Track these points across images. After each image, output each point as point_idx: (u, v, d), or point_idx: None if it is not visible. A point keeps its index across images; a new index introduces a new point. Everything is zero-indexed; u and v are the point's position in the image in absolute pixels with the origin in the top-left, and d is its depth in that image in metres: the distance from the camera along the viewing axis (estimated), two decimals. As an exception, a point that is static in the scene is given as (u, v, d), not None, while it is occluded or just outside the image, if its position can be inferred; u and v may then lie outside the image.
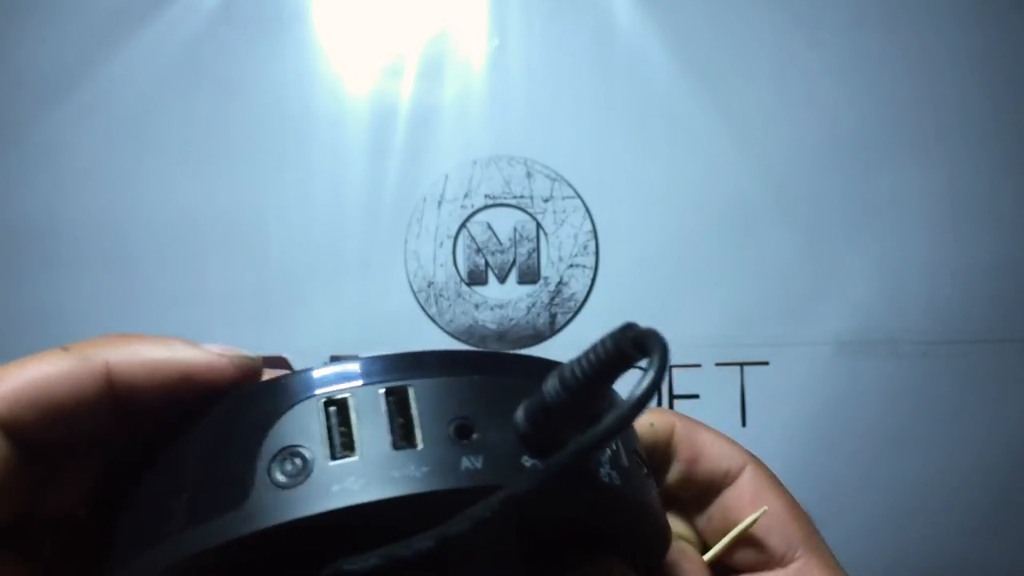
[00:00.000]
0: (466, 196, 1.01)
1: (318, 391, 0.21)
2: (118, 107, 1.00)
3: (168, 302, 0.99)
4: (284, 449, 0.21)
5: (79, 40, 0.99)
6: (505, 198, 1.01)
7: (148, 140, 1.00)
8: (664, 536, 0.25)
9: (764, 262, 1.00)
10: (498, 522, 0.19)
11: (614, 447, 0.23)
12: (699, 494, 0.29)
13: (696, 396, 1.00)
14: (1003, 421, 1.00)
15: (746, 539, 0.28)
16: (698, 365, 1.00)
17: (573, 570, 0.24)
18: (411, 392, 0.21)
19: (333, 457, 0.20)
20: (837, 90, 1.00)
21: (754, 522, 0.28)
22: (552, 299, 1.01)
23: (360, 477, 0.20)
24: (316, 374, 0.22)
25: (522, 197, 1.01)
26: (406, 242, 1.01)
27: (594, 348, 0.21)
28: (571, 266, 1.01)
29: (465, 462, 0.20)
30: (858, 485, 0.98)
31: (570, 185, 1.01)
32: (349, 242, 1.00)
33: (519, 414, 0.22)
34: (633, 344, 0.20)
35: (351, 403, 0.21)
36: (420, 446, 0.20)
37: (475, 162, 1.01)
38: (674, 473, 0.29)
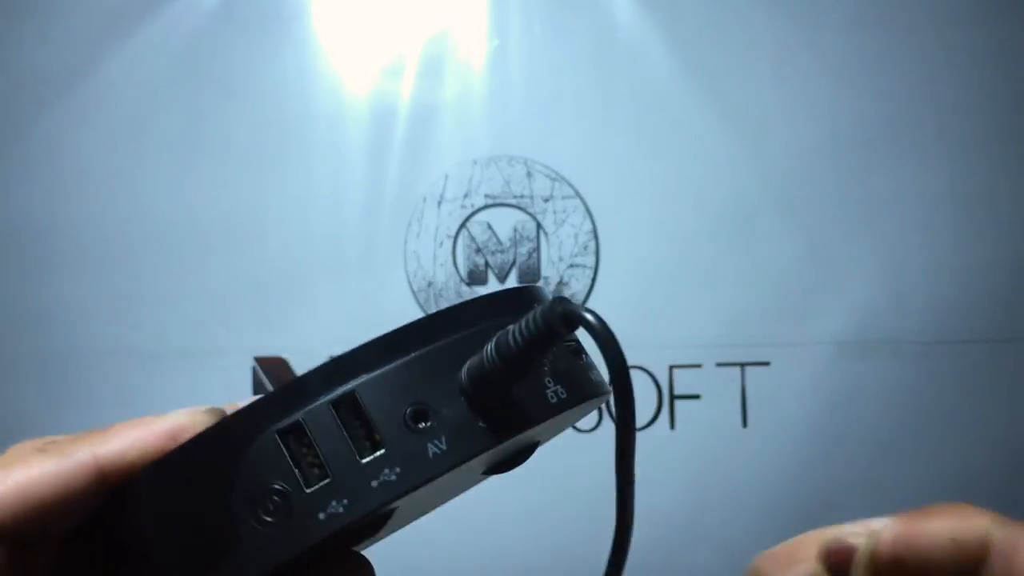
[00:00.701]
0: (466, 196, 1.00)
1: (270, 425, 0.21)
2: (118, 107, 1.00)
3: (168, 302, 0.99)
4: (259, 491, 0.21)
5: (79, 40, 0.99)
6: (505, 198, 1.01)
7: (148, 140, 1.00)
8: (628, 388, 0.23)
9: (764, 262, 1.00)
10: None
11: (550, 361, 0.23)
12: None
13: (697, 396, 1.00)
14: (1003, 420, 1.00)
15: None
16: (699, 365, 1.00)
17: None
18: (358, 396, 0.21)
19: (308, 485, 0.21)
20: (837, 90, 1.00)
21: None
22: (552, 299, 1.01)
23: (341, 497, 0.20)
24: (260, 406, 0.22)
25: (522, 197, 1.01)
26: (406, 242, 1.00)
27: (526, 321, 0.21)
28: (571, 266, 1.01)
29: (431, 448, 0.21)
30: (858, 484, 0.98)
31: (570, 185, 1.00)
32: (349, 242, 1.00)
33: (463, 377, 0.22)
34: (562, 319, 0.21)
35: (306, 427, 0.21)
36: (384, 448, 0.21)
37: (475, 162, 1.01)
38: None
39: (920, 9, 1.01)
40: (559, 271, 1.01)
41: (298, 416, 0.21)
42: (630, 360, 0.21)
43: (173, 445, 0.22)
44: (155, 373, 0.98)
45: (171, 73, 1.00)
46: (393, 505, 0.21)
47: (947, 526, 0.20)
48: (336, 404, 0.21)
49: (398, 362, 0.22)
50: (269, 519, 0.21)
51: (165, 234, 1.00)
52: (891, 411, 0.99)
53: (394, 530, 0.28)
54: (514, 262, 1.01)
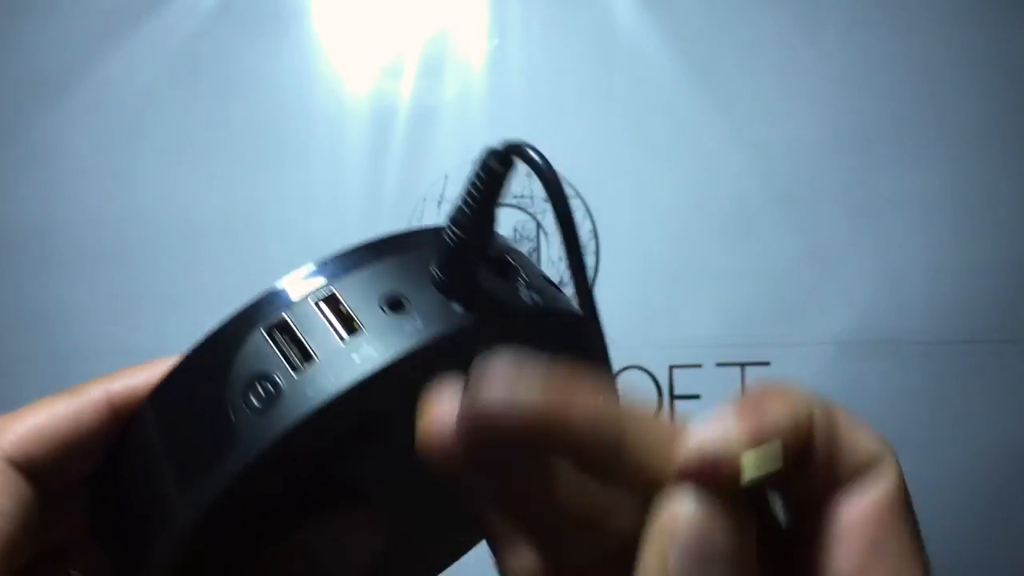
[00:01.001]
0: (466, 196, 1.00)
1: (257, 325, 0.23)
2: (116, 107, 1.00)
3: (166, 302, 0.99)
4: (250, 380, 0.22)
5: (77, 39, 0.99)
6: (505, 198, 1.01)
7: (146, 140, 1.00)
8: (603, 342, 0.24)
9: (765, 262, 1.00)
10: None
11: (524, 277, 0.26)
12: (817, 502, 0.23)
13: (697, 396, 1.00)
14: (1005, 421, 1.00)
15: (841, 550, 0.21)
16: (699, 365, 0.99)
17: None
18: (336, 293, 0.23)
19: (296, 369, 0.22)
20: (838, 90, 1.00)
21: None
22: (552, 299, 1.01)
23: (327, 374, 0.22)
24: (246, 311, 0.23)
25: (522, 197, 1.01)
26: (406, 242, 1.00)
27: (467, 183, 0.24)
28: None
29: (407, 327, 0.23)
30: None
31: (570, 185, 1.00)
32: (348, 242, 1.00)
33: (433, 270, 0.24)
34: (497, 159, 0.24)
35: (291, 322, 0.23)
36: (365, 331, 0.23)
37: (475, 162, 1.00)
38: (802, 481, 0.22)
39: (922, 9, 1.00)
40: (559, 271, 1.01)
41: (282, 313, 0.23)
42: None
43: None
44: (155, 373, 0.98)
45: (170, 73, 1.00)
46: (378, 401, 0.22)
47: (786, 413, 0.21)
48: (317, 301, 0.23)
49: (374, 264, 0.24)
50: (261, 404, 0.22)
51: (164, 234, 0.99)
52: (892, 412, 0.99)
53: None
54: (514, 262, 1.01)
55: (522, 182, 1.01)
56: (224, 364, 0.23)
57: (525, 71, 1.01)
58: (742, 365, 0.99)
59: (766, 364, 0.99)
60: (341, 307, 0.23)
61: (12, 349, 0.99)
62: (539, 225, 1.01)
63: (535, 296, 0.25)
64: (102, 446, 0.24)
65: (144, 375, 0.25)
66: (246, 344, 0.23)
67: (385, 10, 1.01)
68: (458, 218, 0.24)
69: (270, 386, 0.22)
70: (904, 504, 0.22)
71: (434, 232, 0.25)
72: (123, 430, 0.24)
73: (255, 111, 1.00)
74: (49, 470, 0.23)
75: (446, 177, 1.00)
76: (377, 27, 1.01)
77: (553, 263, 1.01)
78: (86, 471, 0.24)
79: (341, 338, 0.22)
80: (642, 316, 0.99)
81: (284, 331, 0.23)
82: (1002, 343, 1.00)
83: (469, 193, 0.24)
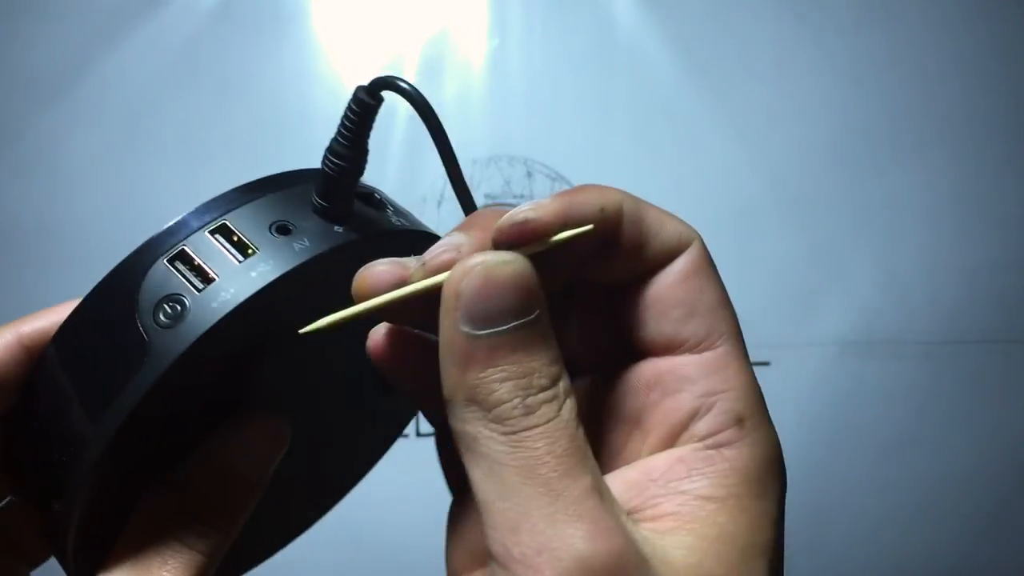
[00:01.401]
0: (466, 196, 1.00)
1: (159, 256, 0.25)
2: (115, 106, 1.00)
3: (167, 303, 0.99)
4: (158, 301, 0.24)
5: (76, 39, 0.99)
6: (505, 198, 1.01)
7: (146, 139, 1.00)
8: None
9: (766, 262, 1.00)
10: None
11: (391, 207, 0.31)
12: (640, 279, 0.26)
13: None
14: (1007, 422, 1.00)
15: (661, 313, 0.25)
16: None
17: None
18: (228, 223, 0.26)
19: (199, 289, 0.25)
20: (840, 89, 1.00)
21: (582, 233, 0.24)
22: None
23: (228, 288, 0.24)
24: (144, 246, 0.26)
25: (522, 197, 1.01)
26: (406, 242, 1.00)
27: (343, 118, 0.27)
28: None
29: (296, 245, 0.25)
30: (860, 486, 0.98)
31: (570, 185, 1.00)
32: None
33: (315, 199, 0.27)
34: (367, 92, 0.27)
35: (190, 250, 0.25)
36: (257, 251, 0.25)
37: (475, 162, 1.00)
38: (621, 263, 0.26)
39: (922, 9, 1.00)
40: (559, 271, 1.01)
41: (181, 245, 0.25)
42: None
43: None
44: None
45: (169, 73, 1.00)
46: (272, 301, 0.25)
47: (595, 197, 0.25)
48: (213, 232, 0.26)
49: (260, 198, 0.27)
50: (170, 320, 0.24)
51: (164, 234, 0.99)
52: (893, 412, 0.99)
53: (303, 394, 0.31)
54: (514, 262, 1.01)
55: (521, 182, 1.01)
56: (130, 292, 0.25)
57: (525, 71, 1.01)
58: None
59: (766, 364, 0.99)
60: (234, 236, 0.26)
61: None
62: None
63: (402, 220, 0.30)
64: (17, 386, 0.25)
65: (53, 316, 0.27)
66: (149, 273, 0.25)
67: (385, 10, 1.01)
68: (335, 148, 0.27)
69: (177, 305, 0.24)
70: (707, 267, 0.26)
71: (312, 171, 0.29)
72: (35, 365, 0.26)
73: (255, 111, 1.00)
74: None
75: (446, 177, 1.00)
76: (377, 27, 1.01)
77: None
78: (2, 411, 0.25)
79: (237, 260, 0.25)
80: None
81: (184, 260, 0.25)
82: (1003, 343, 1.00)
83: (344, 126, 0.27)
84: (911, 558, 0.98)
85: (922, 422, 0.99)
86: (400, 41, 1.01)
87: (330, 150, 0.28)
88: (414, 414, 0.36)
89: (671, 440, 0.24)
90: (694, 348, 0.25)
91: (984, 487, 0.99)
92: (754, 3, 1.01)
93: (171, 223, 0.26)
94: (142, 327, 0.24)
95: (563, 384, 0.22)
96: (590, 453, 0.22)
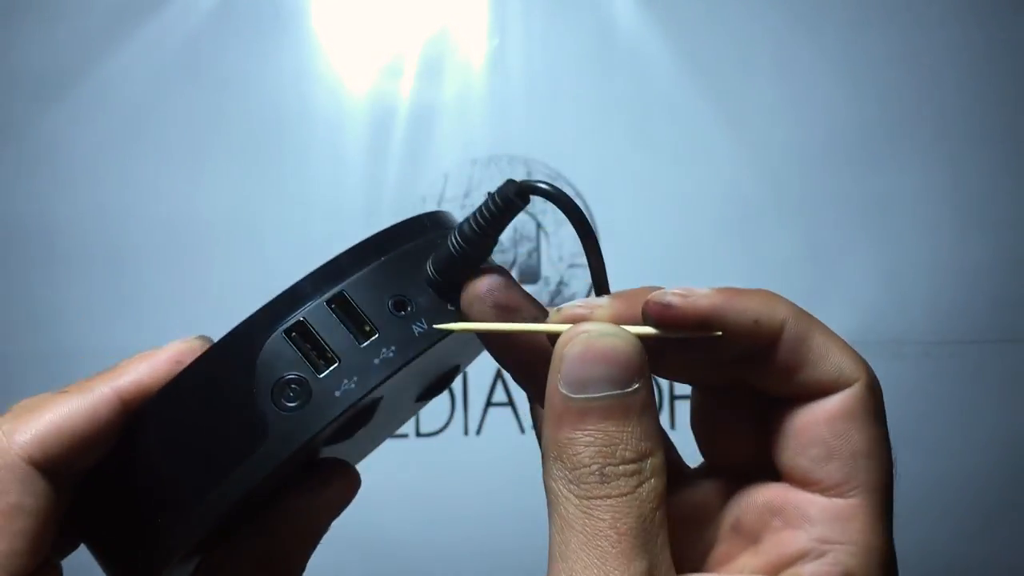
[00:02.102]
0: (466, 196, 1.00)
1: (275, 327, 0.25)
2: (115, 106, 1.00)
3: (165, 302, 0.99)
4: (278, 381, 0.24)
5: (76, 39, 0.99)
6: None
7: (146, 139, 1.00)
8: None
9: (765, 262, 1.00)
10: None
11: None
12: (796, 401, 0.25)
13: (697, 397, 0.99)
14: (1006, 421, 1.00)
15: (801, 445, 0.24)
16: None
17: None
18: (346, 294, 0.26)
19: (320, 371, 0.24)
20: (839, 89, 1.00)
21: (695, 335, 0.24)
22: (552, 299, 1.01)
23: (351, 375, 0.24)
24: (261, 315, 0.25)
25: (522, 197, 1.01)
26: (406, 242, 1.00)
27: (485, 203, 0.26)
28: (571, 266, 1.00)
29: (416, 328, 0.25)
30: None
31: (570, 185, 1.00)
32: (348, 242, 1.00)
33: (429, 269, 0.27)
34: (517, 192, 0.26)
35: (308, 324, 0.25)
36: (377, 333, 0.25)
37: (475, 162, 1.00)
38: (772, 380, 0.25)
39: (922, 8, 1.00)
40: (559, 271, 1.01)
41: (299, 316, 0.25)
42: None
43: (179, 368, 0.25)
44: (154, 373, 0.98)
45: (169, 73, 1.00)
46: (385, 388, 0.25)
47: (755, 307, 0.24)
48: (330, 302, 0.25)
49: (373, 264, 0.26)
50: (292, 404, 0.24)
51: (164, 234, 0.99)
52: (893, 412, 0.99)
53: (362, 450, 0.32)
54: (514, 262, 1.01)
55: (522, 182, 1.01)
56: (247, 364, 0.24)
57: (525, 71, 1.01)
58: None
59: (766, 364, 0.99)
60: (352, 309, 0.25)
61: (12, 349, 0.99)
62: (539, 225, 1.01)
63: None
64: (109, 441, 0.25)
65: (148, 368, 0.25)
66: (267, 345, 0.24)
67: (385, 10, 1.01)
68: (466, 231, 0.26)
69: (298, 387, 0.24)
70: (863, 413, 0.25)
71: (423, 225, 0.28)
72: (135, 422, 0.25)
73: (254, 111, 1.00)
74: (65, 467, 0.24)
75: (446, 177, 1.00)
76: (377, 27, 1.01)
77: (553, 263, 1.00)
78: (90, 463, 0.25)
79: (358, 341, 0.25)
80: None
81: (303, 334, 0.25)
82: (1003, 343, 1.00)
83: (482, 214, 0.26)
84: (909, 557, 0.98)
85: (921, 422, 0.99)
86: (400, 41, 1.01)
87: (460, 231, 0.27)
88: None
89: (778, 569, 0.24)
90: (826, 491, 0.24)
91: (983, 486, 0.99)
92: (754, 3, 1.01)
93: (288, 288, 0.26)
94: (260, 407, 0.24)
95: (652, 462, 0.22)
96: (662, 540, 0.22)
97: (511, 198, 0.26)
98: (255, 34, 1.00)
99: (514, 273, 1.01)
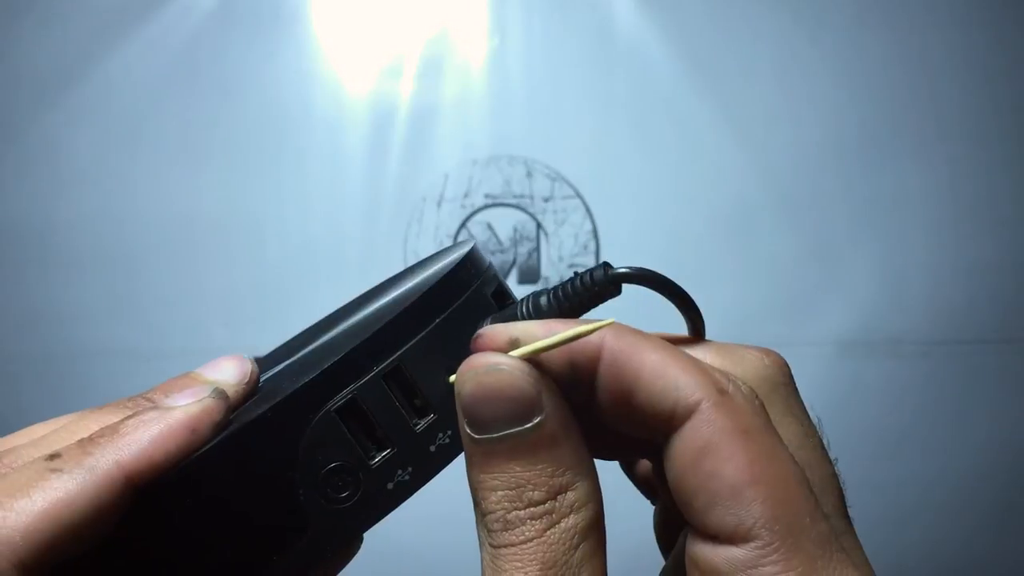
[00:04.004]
0: (466, 196, 1.00)
1: (324, 405, 0.21)
2: (116, 107, 1.00)
3: (166, 303, 0.99)
4: (324, 470, 0.21)
5: (77, 39, 0.99)
6: (505, 198, 1.01)
7: (146, 140, 1.00)
8: None
9: (765, 262, 1.00)
10: None
11: None
12: (640, 441, 0.22)
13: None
14: (1005, 421, 1.00)
15: (683, 501, 0.20)
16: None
17: None
18: (403, 366, 0.22)
19: (372, 458, 0.21)
20: (838, 89, 1.00)
21: (583, 334, 0.21)
22: (552, 299, 1.00)
23: (406, 466, 0.21)
24: (309, 387, 0.21)
25: (522, 197, 1.01)
26: (406, 242, 1.00)
27: (572, 283, 0.23)
28: (571, 266, 1.00)
29: None
30: (859, 485, 0.98)
31: (570, 185, 1.00)
32: (348, 242, 1.00)
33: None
34: (612, 280, 0.22)
35: (362, 403, 0.21)
36: (434, 413, 0.22)
37: (475, 162, 1.00)
38: (603, 408, 0.22)
39: (921, 9, 1.00)
40: (559, 271, 1.01)
41: (352, 392, 0.21)
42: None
43: (194, 438, 0.21)
44: (155, 373, 0.98)
45: (169, 73, 1.00)
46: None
47: (577, 328, 0.21)
48: (387, 377, 0.22)
49: (428, 329, 0.22)
50: (339, 496, 0.21)
51: (164, 234, 0.99)
52: (892, 411, 0.99)
53: None
54: (514, 262, 1.01)
55: (521, 182, 1.01)
56: (290, 444, 0.21)
57: (525, 71, 1.01)
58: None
59: (766, 364, 0.99)
60: (409, 384, 0.22)
61: (12, 349, 0.99)
62: (539, 225, 1.01)
63: None
64: (113, 520, 0.21)
65: (154, 435, 0.21)
66: (315, 424, 0.21)
67: (385, 10, 1.01)
68: (540, 302, 0.23)
69: (348, 478, 0.21)
70: (725, 437, 0.20)
71: (468, 273, 0.24)
72: (149, 502, 0.21)
73: (255, 111, 1.00)
74: (59, 558, 0.20)
75: (446, 177, 1.00)
76: (377, 27, 1.01)
77: (553, 263, 1.01)
78: (91, 546, 0.21)
79: (414, 423, 0.22)
80: (642, 316, 0.99)
81: (355, 414, 0.21)
82: (1002, 343, 1.00)
83: (565, 290, 0.23)
84: (907, 555, 0.98)
85: (920, 421, 0.99)
86: (400, 41, 1.01)
87: (535, 303, 0.23)
88: None
89: None
90: (729, 541, 0.20)
91: (981, 486, 0.99)
92: (754, 3, 1.01)
93: (339, 357, 0.21)
94: (303, 498, 0.20)
95: (569, 497, 0.20)
96: (589, 573, 0.20)
97: (606, 284, 0.23)
98: (255, 35, 1.00)
99: (514, 273, 1.01)
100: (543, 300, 0.23)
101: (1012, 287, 1.00)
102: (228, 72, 1.00)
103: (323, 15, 1.01)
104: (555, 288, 0.23)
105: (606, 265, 0.23)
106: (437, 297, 0.23)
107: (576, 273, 0.23)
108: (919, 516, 0.98)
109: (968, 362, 0.99)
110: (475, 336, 0.22)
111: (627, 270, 0.23)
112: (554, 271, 1.00)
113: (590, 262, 1.00)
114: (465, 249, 0.25)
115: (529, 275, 1.01)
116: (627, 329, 0.22)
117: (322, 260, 1.00)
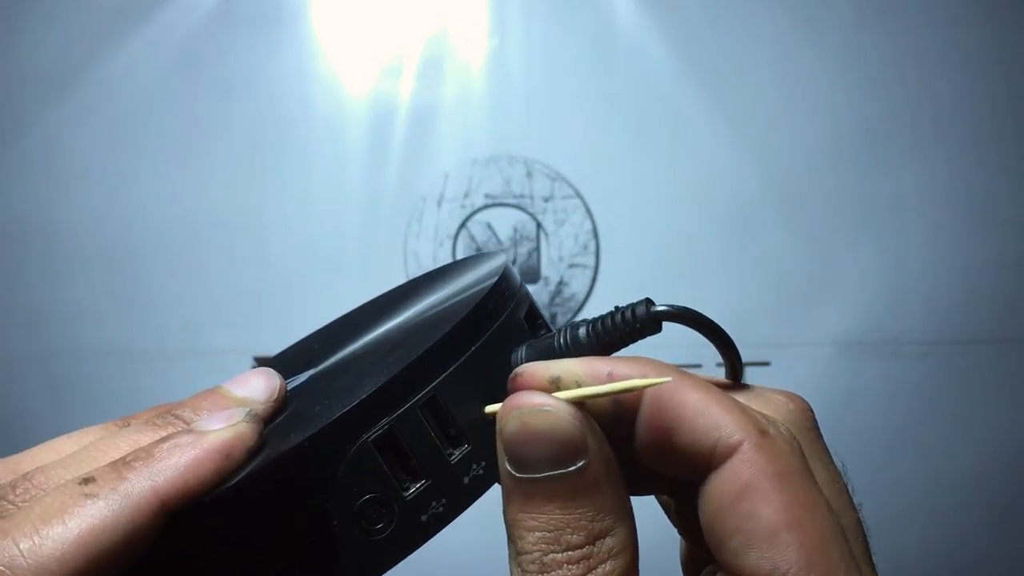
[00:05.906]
0: (466, 196, 1.00)
1: (360, 436, 0.21)
2: (117, 107, 1.00)
3: (166, 302, 0.99)
4: (358, 502, 0.21)
5: (78, 40, 0.99)
6: (505, 198, 1.01)
7: (147, 140, 1.00)
8: None
9: (765, 262, 1.00)
10: None
11: None
12: (668, 479, 0.22)
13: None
14: (1004, 421, 1.00)
15: (717, 542, 0.21)
16: (699, 365, 0.99)
17: None
18: (438, 396, 0.22)
19: (406, 490, 0.21)
20: (837, 90, 1.00)
21: (639, 388, 0.21)
22: (552, 299, 1.01)
23: (440, 497, 0.21)
24: (346, 417, 0.21)
25: (522, 197, 1.01)
26: (406, 242, 1.00)
27: (612, 316, 0.22)
28: (571, 266, 1.01)
29: None
30: (858, 485, 0.98)
31: (570, 185, 1.00)
32: (348, 242, 1.00)
33: (520, 359, 0.23)
34: (654, 319, 0.22)
35: (398, 434, 0.21)
36: (468, 444, 0.22)
37: (475, 162, 1.00)
38: (642, 445, 0.22)
39: (920, 9, 1.01)
40: (559, 271, 1.01)
41: (389, 423, 0.21)
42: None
43: (228, 464, 0.21)
44: (155, 373, 0.98)
45: (170, 73, 1.00)
46: None
47: (615, 366, 0.22)
48: (423, 408, 0.21)
49: (463, 358, 0.22)
50: (373, 528, 0.21)
51: (165, 234, 0.99)
52: (891, 411, 0.99)
53: None
54: (514, 262, 1.01)
55: (521, 182, 1.01)
56: (326, 475, 0.21)
57: (525, 71, 1.01)
58: (742, 365, 0.99)
59: (766, 364, 0.99)
60: (444, 414, 0.22)
61: (13, 348, 0.99)
62: (539, 225, 1.01)
63: None
64: (147, 545, 0.21)
65: (188, 461, 0.21)
66: (351, 455, 0.21)
67: (385, 10, 1.01)
68: (579, 335, 0.23)
69: (383, 510, 0.21)
70: (763, 480, 0.20)
71: (503, 295, 0.24)
72: (183, 528, 0.21)
73: (255, 111, 1.00)
74: None
75: (446, 176, 1.00)
76: (377, 27, 1.01)
77: (553, 263, 1.01)
78: (123, 570, 0.21)
79: (448, 455, 0.22)
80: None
81: (391, 445, 0.21)
82: (1001, 343, 1.00)
83: (605, 322, 0.23)
84: (906, 555, 0.98)
85: (920, 421, 0.99)
86: (400, 41, 1.01)
87: (572, 335, 0.23)
88: None
89: None
90: None
91: (981, 485, 0.99)
92: (754, 3, 1.01)
93: (376, 387, 0.21)
94: (337, 528, 0.20)
95: (608, 543, 0.20)
96: None
97: (648, 323, 0.22)
98: (255, 34, 1.00)
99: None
100: (581, 332, 0.23)
101: (1010, 287, 1.00)
102: (229, 72, 1.00)
103: (323, 15, 1.01)
104: (594, 321, 0.23)
105: (648, 302, 0.22)
106: (472, 325, 0.23)
107: (616, 307, 0.23)
108: (917, 515, 0.98)
109: (966, 362, 0.99)
110: (514, 375, 0.22)
111: (669, 308, 0.22)
112: (554, 271, 1.01)
113: (590, 262, 1.00)
114: (498, 267, 0.25)
115: (529, 275, 1.01)
116: (667, 367, 0.22)
117: (322, 260, 1.00)
